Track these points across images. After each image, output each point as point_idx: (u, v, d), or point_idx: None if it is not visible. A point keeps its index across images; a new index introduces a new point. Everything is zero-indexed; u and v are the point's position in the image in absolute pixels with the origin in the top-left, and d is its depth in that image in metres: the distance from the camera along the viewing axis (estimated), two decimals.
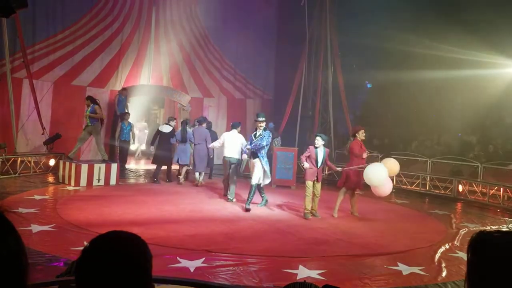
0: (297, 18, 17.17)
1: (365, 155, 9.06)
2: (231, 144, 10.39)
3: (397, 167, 8.76)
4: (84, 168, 11.16)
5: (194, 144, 12.39)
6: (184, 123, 12.75)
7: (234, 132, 10.60)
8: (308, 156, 8.83)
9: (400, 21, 16.50)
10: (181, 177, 12.60)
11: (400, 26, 16.33)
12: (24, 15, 12.84)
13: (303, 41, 17.16)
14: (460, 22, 15.61)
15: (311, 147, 8.88)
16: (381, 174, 8.33)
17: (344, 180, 9.11)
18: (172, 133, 12.66)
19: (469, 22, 15.77)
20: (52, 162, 12.90)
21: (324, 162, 8.92)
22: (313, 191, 8.91)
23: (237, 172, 10.77)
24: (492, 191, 11.94)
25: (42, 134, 13.13)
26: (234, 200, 10.19)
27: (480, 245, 1.28)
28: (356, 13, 17.03)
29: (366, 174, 8.41)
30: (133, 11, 16.40)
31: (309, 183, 8.85)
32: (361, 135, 9.25)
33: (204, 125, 12.72)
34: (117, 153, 14.42)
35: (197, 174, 12.40)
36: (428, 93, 18.10)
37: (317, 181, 8.87)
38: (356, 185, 9.15)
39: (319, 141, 8.82)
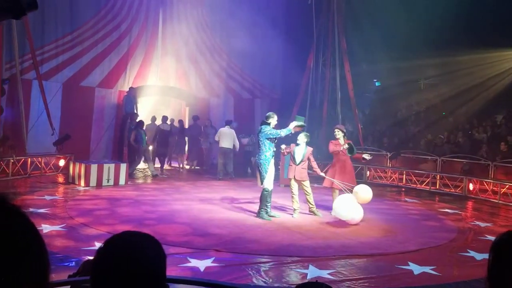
0: (304, 17, 17.12)
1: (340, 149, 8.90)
2: (226, 137, 13.31)
3: (370, 195, 8.42)
4: (94, 168, 11.21)
5: (190, 138, 15.30)
6: (181, 121, 15.60)
7: (227, 127, 13.57)
8: (288, 152, 8.80)
9: (407, 21, 16.43)
10: (180, 168, 15.38)
11: (407, 26, 16.26)
12: (33, 16, 12.94)
13: (310, 39, 17.11)
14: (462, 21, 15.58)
15: (292, 144, 8.81)
16: (346, 213, 8.07)
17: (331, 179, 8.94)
18: (171, 131, 14.75)
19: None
20: (62, 162, 12.98)
21: (304, 160, 8.70)
22: (304, 190, 8.74)
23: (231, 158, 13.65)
24: (503, 190, 11.82)
25: (52, 134, 13.21)
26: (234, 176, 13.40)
27: (504, 245, 1.26)
28: (366, 11, 16.96)
29: (334, 210, 8.21)
30: (141, 12, 16.44)
31: (292, 183, 8.71)
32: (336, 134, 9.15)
33: (198, 122, 15.58)
34: (126, 153, 14.50)
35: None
36: (438, 91, 18.04)
37: (296, 178, 8.65)
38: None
39: (299, 139, 8.70)
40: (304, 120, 8.76)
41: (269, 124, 8.37)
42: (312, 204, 8.82)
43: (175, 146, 15.19)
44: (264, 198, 8.39)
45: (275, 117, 8.49)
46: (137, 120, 13.76)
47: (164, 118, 15.16)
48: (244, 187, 11.85)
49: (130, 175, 13.03)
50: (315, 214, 8.78)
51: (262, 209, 8.40)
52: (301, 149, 8.71)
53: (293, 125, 8.42)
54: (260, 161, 8.34)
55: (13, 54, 12.80)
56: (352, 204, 8.05)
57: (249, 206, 9.46)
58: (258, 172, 8.45)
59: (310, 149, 8.81)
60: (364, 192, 8.41)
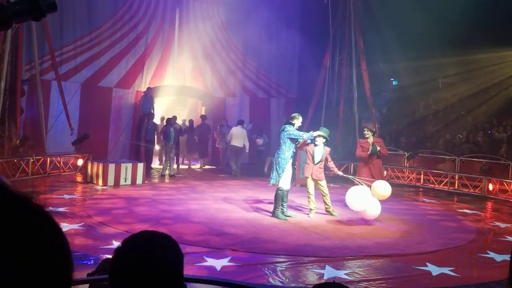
0: (320, 16, 17.04)
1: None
2: (237, 136, 14.11)
3: (388, 192, 8.33)
4: (112, 167, 11.33)
5: (198, 137, 15.64)
6: (191, 121, 16.10)
7: (239, 127, 14.36)
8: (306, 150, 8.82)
9: (425, 19, 16.24)
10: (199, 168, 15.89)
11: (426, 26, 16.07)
12: (52, 18, 13.12)
13: (326, 39, 17.02)
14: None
15: (311, 144, 8.79)
16: (358, 204, 8.02)
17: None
18: (180, 130, 14.88)
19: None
20: (80, 162, 13.14)
21: (322, 160, 8.69)
22: (321, 190, 8.72)
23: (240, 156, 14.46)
24: None
25: (71, 134, 13.38)
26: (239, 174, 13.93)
27: None
28: (382, 9, 16.81)
29: (347, 201, 8.14)
30: (157, 12, 16.55)
31: (308, 182, 8.68)
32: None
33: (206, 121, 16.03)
34: (143, 153, 14.61)
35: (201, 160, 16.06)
36: (457, 90, 17.79)
37: (313, 177, 8.64)
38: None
39: (318, 140, 8.67)
40: (328, 133, 8.81)
41: (293, 124, 8.38)
42: (328, 205, 8.78)
43: (185, 145, 15.71)
44: (279, 198, 8.38)
45: (300, 119, 8.54)
46: (167, 118, 14.07)
47: (174, 118, 15.16)
48: (260, 187, 11.84)
49: (171, 176, 13.46)
50: (331, 214, 8.74)
51: (277, 209, 8.39)
52: (320, 150, 8.72)
53: (317, 133, 8.53)
54: (279, 159, 8.32)
55: (32, 55, 13.01)
56: (366, 197, 7.96)
57: (266, 205, 9.46)
58: (275, 170, 8.40)
59: (328, 149, 8.85)
60: (383, 188, 8.34)
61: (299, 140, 8.45)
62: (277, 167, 8.34)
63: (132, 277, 1.14)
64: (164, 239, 1.22)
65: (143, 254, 1.16)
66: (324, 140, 8.71)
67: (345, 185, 12.59)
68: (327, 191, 8.76)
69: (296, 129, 8.40)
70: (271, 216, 8.42)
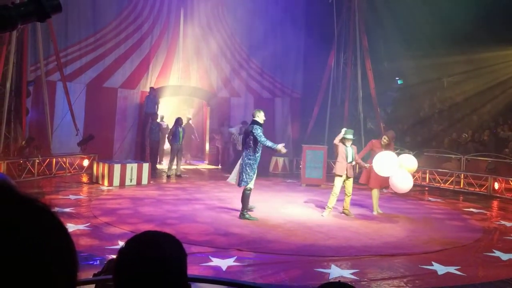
0: (325, 15, 17.02)
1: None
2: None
3: (414, 166, 8.63)
4: (117, 168, 11.36)
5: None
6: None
7: (238, 127, 15.02)
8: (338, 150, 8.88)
9: (430, 18, 16.18)
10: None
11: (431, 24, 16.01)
12: (56, 19, 13.17)
13: (331, 38, 16.99)
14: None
15: (342, 145, 8.79)
16: (387, 166, 8.24)
17: (367, 176, 9.01)
18: (167, 128, 15.30)
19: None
20: (86, 162, 13.19)
21: (354, 159, 8.85)
22: (346, 189, 8.79)
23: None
24: None
25: (76, 135, 13.44)
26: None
27: None
28: (387, 8, 16.77)
29: (376, 164, 8.40)
30: (162, 13, 16.58)
31: (339, 180, 8.70)
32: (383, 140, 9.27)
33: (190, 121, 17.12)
34: (148, 153, 14.66)
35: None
36: (462, 89, 17.72)
37: (348, 176, 8.73)
38: (382, 183, 9.00)
39: (348, 142, 8.79)
40: (352, 133, 8.95)
41: (259, 122, 8.22)
42: (347, 206, 8.87)
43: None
44: (246, 198, 8.28)
45: (262, 113, 8.40)
46: (176, 118, 14.10)
47: (161, 117, 16.24)
48: (264, 187, 11.84)
49: (177, 176, 13.45)
50: (346, 215, 8.81)
51: (245, 210, 8.26)
52: (351, 150, 8.82)
53: (341, 136, 8.74)
54: (250, 161, 8.13)
55: (37, 56, 13.07)
56: (393, 164, 8.21)
57: (270, 205, 9.46)
58: (245, 172, 8.12)
59: (355, 147, 9.00)
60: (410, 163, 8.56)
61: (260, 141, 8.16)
62: (247, 168, 8.10)
63: (135, 277, 1.14)
64: (167, 238, 1.23)
65: (146, 254, 1.16)
66: (351, 141, 8.82)
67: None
68: (351, 191, 8.86)
69: (261, 123, 8.26)
70: (239, 218, 8.21)
